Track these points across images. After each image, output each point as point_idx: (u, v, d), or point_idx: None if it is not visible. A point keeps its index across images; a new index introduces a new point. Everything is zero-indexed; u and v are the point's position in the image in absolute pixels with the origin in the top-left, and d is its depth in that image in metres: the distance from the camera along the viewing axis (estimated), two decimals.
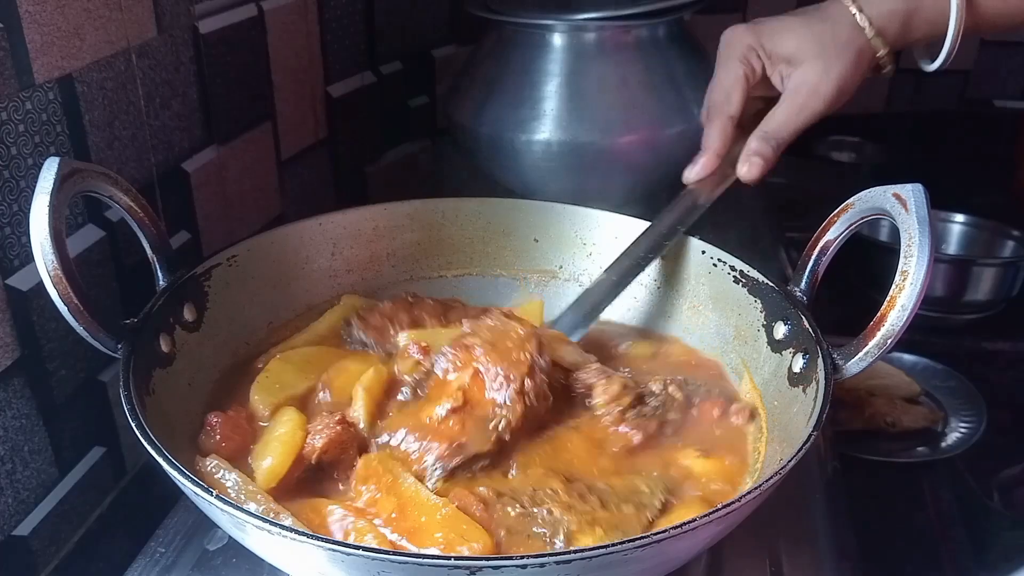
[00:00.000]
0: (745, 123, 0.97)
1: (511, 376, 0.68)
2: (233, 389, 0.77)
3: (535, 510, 0.63)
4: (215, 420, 0.70)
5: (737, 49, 0.96)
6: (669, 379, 0.77)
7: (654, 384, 0.76)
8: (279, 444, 0.67)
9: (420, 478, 0.65)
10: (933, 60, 0.94)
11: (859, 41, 0.91)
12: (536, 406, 0.69)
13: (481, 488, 0.65)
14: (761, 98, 0.99)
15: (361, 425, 0.70)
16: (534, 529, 0.62)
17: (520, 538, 0.62)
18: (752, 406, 0.76)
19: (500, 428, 0.67)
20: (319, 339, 0.84)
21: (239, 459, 0.68)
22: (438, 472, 0.65)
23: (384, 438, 0.69)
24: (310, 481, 0.67)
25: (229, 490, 0.64)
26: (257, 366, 0.79)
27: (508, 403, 0.68)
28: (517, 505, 0.63)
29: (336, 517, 0.63)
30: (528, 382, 0.69)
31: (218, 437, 0.69)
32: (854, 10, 0.91)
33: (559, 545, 0.61)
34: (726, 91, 0.96)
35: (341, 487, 0.67)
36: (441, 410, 0.68)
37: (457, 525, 0.61)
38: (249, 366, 0.80)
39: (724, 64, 0.98)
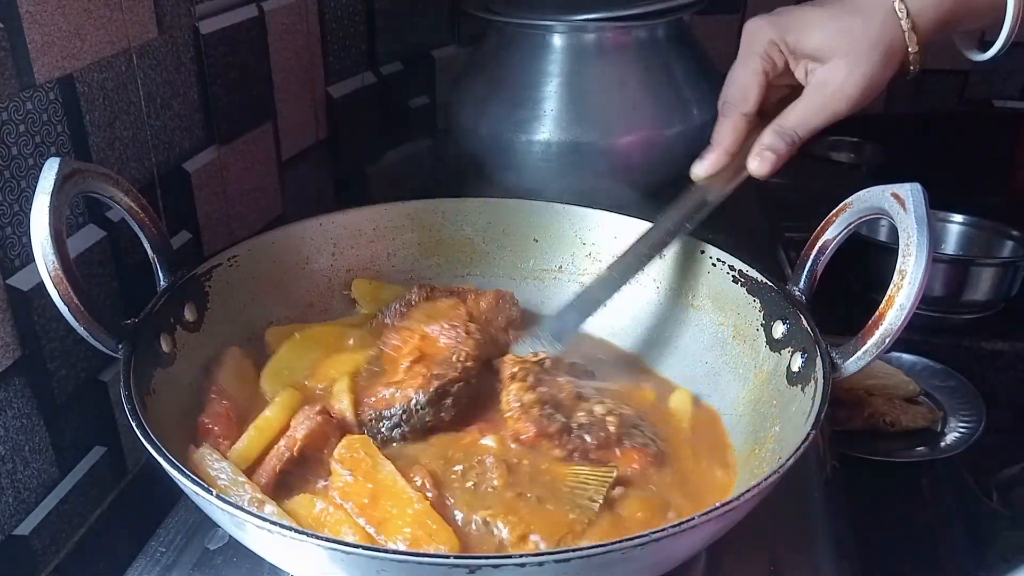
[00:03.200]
0: (767, 110, 0.92)
1: (455, 325, 0.78)
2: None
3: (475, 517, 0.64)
4: (208, 424, 0.71)
5: (759, 44, 0.90)
6: (618, 411, 0.73)
7: (599, 406, 0.73)
8: (252, 428, 0.71)
9: (407, 408, 0.70)
10: (984, 50, 0.88)
11: (891, 36, 0.85)
12: (484, 343, 0.78)
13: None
14: (787, 85, 0.92)
15: (347, 412, 0.73)
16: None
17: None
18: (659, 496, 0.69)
19: (463, 359, 0.74)
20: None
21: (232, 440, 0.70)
22: (422, 399, 0.70)
23: (368, 414, 0.72)
24: (298, 476, 0.68)
25: (220, 480, 0.65)
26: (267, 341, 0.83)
27: (460, 341, 0.76)
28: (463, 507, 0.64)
29: (316, 510, 0.64)
30: (472, 326, 0.78)
31: (218, 437, 0.70)
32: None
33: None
34: (742, 88, 0.91)
35: (323, 483, 0.68)
36: (405, 363, 0.74)
37: (425, 523, 0.61)
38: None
39: (744, 59, 0.92)
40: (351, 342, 0.84)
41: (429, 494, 0.64)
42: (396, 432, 0.70)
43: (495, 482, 0.66)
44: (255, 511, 0.57)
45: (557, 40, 1.09)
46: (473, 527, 0.63)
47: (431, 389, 0.70)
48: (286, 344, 0.82)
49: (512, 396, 0.73)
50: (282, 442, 0.68)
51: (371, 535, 0.62)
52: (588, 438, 0.70)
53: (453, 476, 0.67)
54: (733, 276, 0.82)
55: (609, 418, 0.72)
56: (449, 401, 0.71)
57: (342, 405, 0.73)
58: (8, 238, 0.69)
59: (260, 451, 0.68)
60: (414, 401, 0.70)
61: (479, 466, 0.67)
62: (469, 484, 0.66)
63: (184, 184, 0.93)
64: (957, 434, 1.21)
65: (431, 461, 0.68)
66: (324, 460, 0.68)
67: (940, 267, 1.34)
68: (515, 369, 0.75)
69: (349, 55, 1.24)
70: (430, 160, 1.48)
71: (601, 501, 0.64)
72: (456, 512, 0.64)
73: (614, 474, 0.67)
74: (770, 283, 0.78)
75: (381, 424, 0.71)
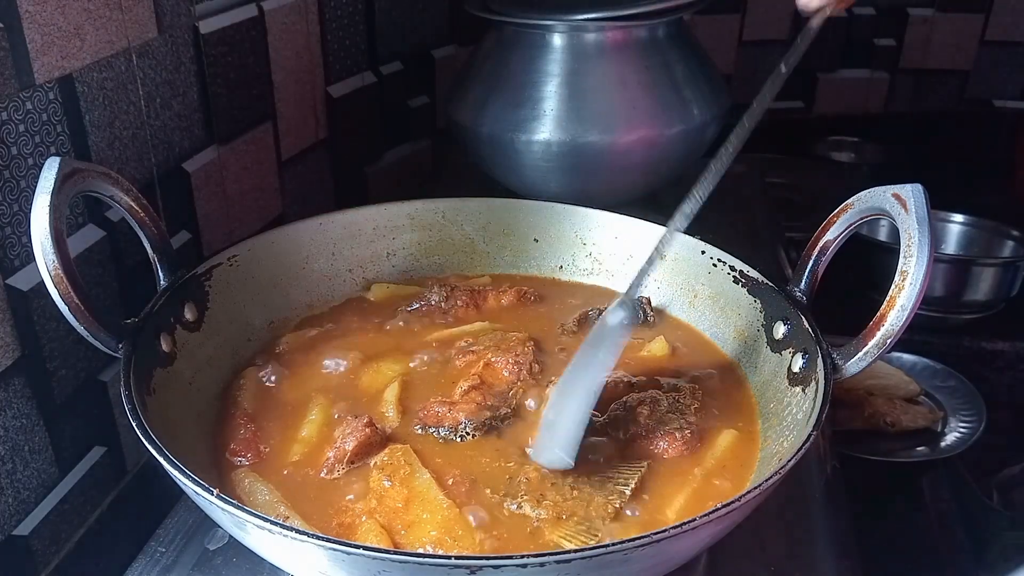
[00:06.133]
0: None
1: (521, 362, 0.79)
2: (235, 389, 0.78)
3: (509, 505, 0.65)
4: (239, 450, 0.71)
5: None
6: (656, 398, 0.74)
7: (634, 396, 0.74)
8: (298, 444, 0.72)
9: (454, 429, 0.71)
10: None
11: None
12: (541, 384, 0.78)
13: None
14: None
15: (394, 423, 0.74)
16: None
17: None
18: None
19: (519, 396, 0.76)
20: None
21: (263, 464, 0.71)
22: (470, 426, 0.72)
23: (416, 427, 0.73)
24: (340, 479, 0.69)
25: (261, 505, 0.65)
26: (275, 350, 0.83)
27: (521, 379, 0.77)
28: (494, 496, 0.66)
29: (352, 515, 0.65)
30: (536, 367, 0.79)
31: (250, 465, 0.70)
32: None
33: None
34: None
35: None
36: (463, 386, 0.76)
37: (453, 529, 0.62)
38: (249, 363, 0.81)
39: None
40: (380, 347, 0.84)
41: (463, 488, 0.66)
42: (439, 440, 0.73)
43: (530, 475, 0.67)
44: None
45: (557, 40, 1.09)
46: (506, 512, 0.64)
47: (480, 419, 0.72)
48: (312, 353, 0.82)
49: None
50: (331, 454, 0.69)
51: (397, 539, 0.62)
52: (620, 434, 0.72)
53: (489, 471, 0.68)
54: (734, 277, 0.82)
55: (641, 408, 0.73)
56: (495, 431, 0.73)
57: (389, 415, 0.74)
58: (8, 238, 0.69)
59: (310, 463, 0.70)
60: (462, 425, 0.72)
61: (515, 463, 0.69)
62: (505, 477, 0.67)
63: (184, 184, 0.93)
64: (957, 434, 1.21)
65: (467, 459, 0.70)
66: (364, 466, 0.69)
67: (941, 267, 1.34)
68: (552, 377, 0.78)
69: (349, 55, 1.24)
70: (430, 160, 1.48)
71: (633, 486, 0.66)
72: (491, 499, 0.65)
73: (645, 465, 0.69)
74: (771, 284, 0.78)
75: (426, 433, 0.73)
